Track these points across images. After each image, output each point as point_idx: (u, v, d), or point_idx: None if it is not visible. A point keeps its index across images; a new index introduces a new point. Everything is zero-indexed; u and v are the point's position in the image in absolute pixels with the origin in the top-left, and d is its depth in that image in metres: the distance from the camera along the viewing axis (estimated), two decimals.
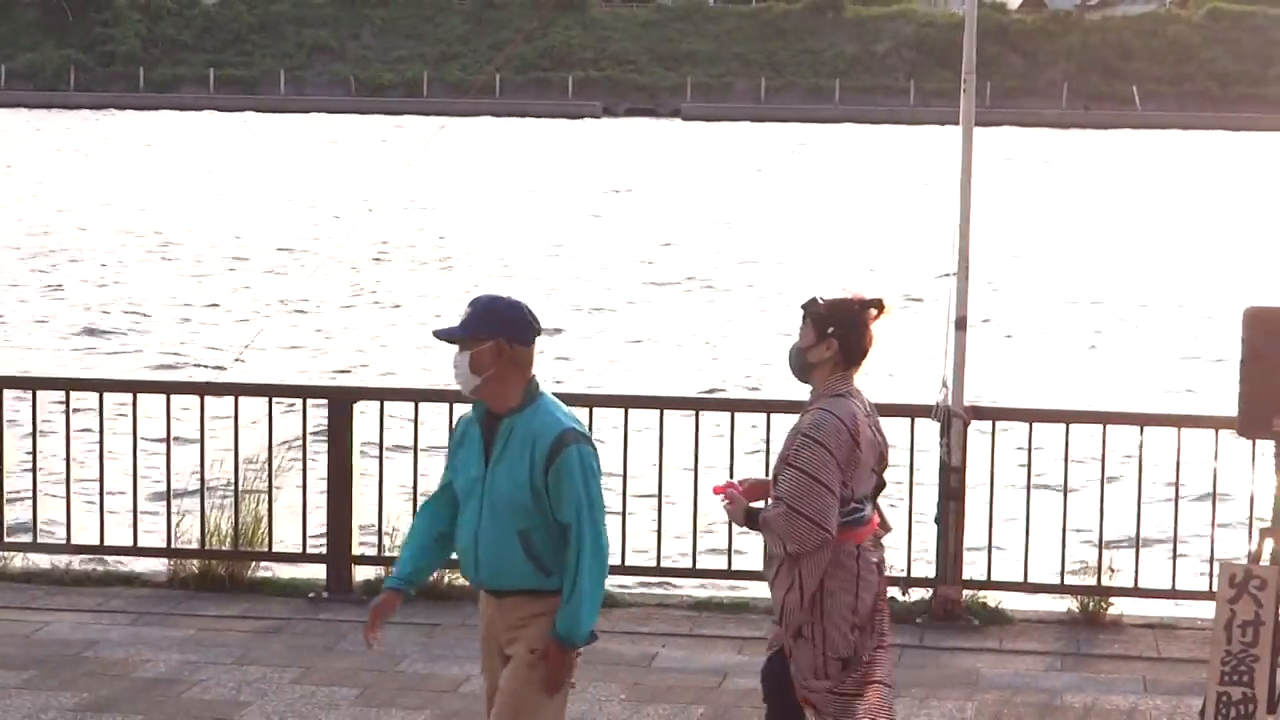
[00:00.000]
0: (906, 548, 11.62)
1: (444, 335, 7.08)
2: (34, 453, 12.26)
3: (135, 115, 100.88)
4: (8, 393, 12.30)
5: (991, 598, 11.59)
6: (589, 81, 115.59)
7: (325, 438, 11.92)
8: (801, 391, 7.84)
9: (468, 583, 7.28)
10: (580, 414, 11.85)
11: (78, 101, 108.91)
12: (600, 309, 32.22)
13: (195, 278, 35.66)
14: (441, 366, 25.09)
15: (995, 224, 42.27)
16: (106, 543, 12.28)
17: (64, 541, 12.28)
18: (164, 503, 12.20)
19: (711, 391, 22.74)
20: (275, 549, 12.18)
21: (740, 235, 45.08)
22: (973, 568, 11.53)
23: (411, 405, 12.01)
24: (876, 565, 7.69)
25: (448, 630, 10.97)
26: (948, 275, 11.31)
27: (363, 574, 11.90)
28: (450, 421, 11.79)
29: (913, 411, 11.67)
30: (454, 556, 7.30)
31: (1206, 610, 10.13)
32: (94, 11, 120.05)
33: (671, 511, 11.96)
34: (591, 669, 10.33)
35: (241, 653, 10.60)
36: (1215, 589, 8.65)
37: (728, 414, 11.79)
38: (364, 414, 12.01)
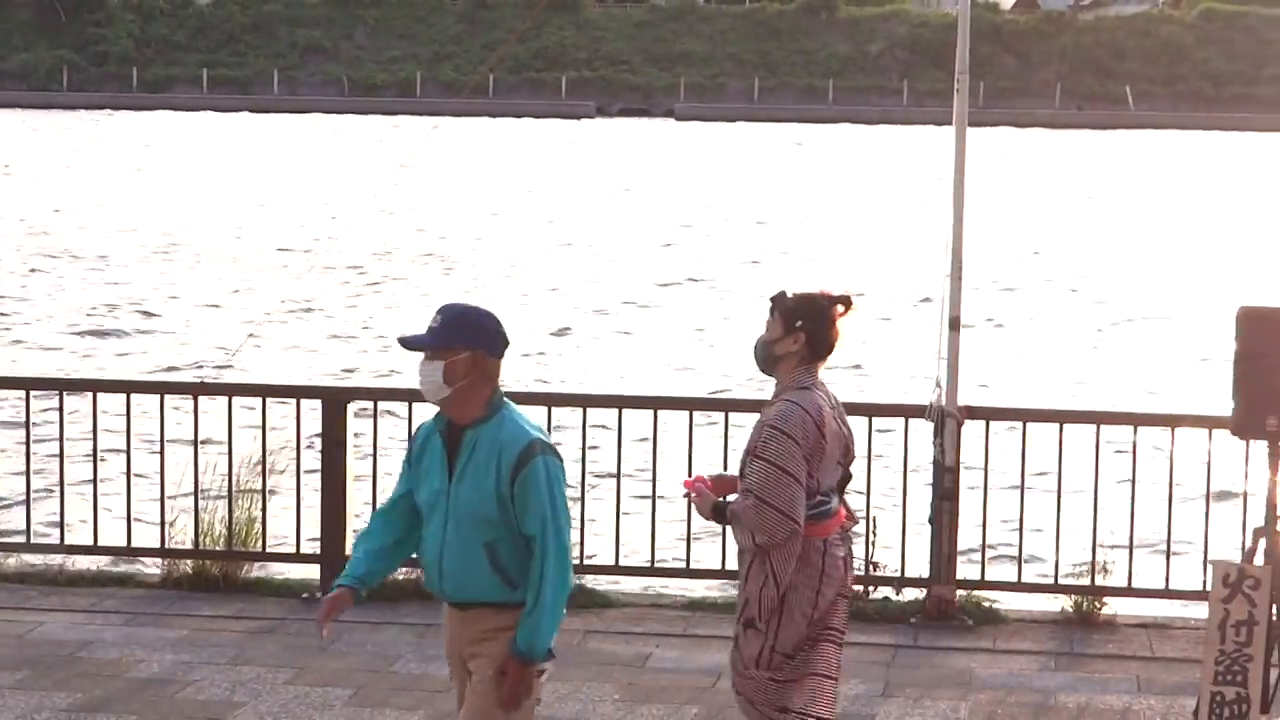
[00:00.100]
0: (900, 547, 11.63)
1: (414, 343, 6.94)
2: (28, 453, 12.25)
3: (132, 116, 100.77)
4: (1, 393, 12.30)
5: (985, 597, 11.60)
6: (582, 82, 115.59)
7: (320, 438, 11.91)
8: None
9: (432, 594, 7.18)
10: (573, 415, 11.94)
11: (71, 102, 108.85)
12: (600, 309, 32.20)
13: (195, 278, 35.63)
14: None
15: (989, 224, 42.30)
16: (100, 543, 12.27)
17: (58, 542, 12.28)
18: (158, 503, 12.19)
19: (718, 392, 22.70)
20: (269, 549, 12.17)
21: (740, 235, 45.07)
22: (967, 567, 11.53)
23: (406, 405, 12.00)
24: (842, 560, 7.68)
25: (441, 630, 10.94)
26: (945, 276, 11.31)
27: None
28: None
29: (907, 411, 11.69)
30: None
31: (1200, 610, 10.14)
32: (87, 12, 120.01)
33: (665, 511, 11.96)
34: (585, 669, 10.35)
35: (235, 653, 10.60)
36: (1209, 588, 8.66)
37: (722, 414, 11.80)
38: (359, 414, 12.01)
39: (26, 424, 12.21)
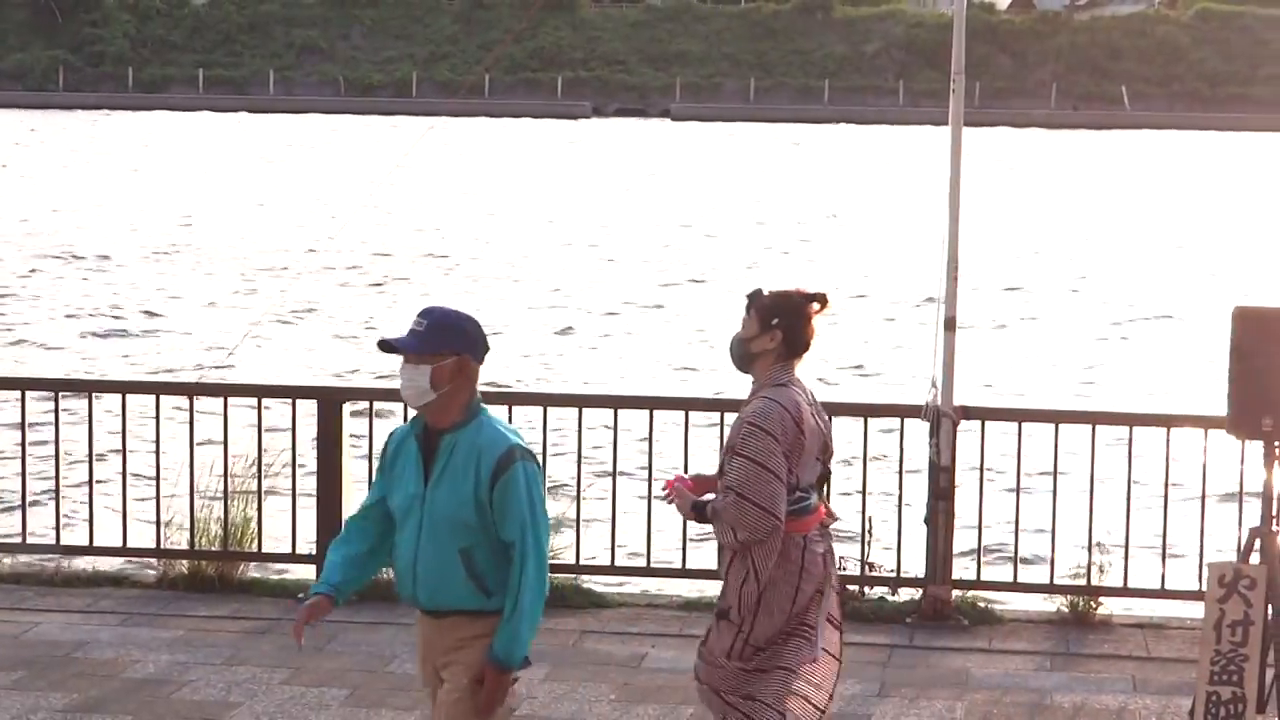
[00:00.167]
0: (896, 547, 11.64)
1: (401, 346, 6.84)
2: (23, 454, 12.25)
3: (128, 116, 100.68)
4: None
5: (981, 597, 11.60)
6: (578, 82, 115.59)
7: (316, 438, 11.90)
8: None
9: (403, 600, 7.07)
10: (569, 414, 11.94)
11: (67, 102, 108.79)
12: (599, 310, 32.20)
13: (193, 278, 35.61)
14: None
15: (986, 224, 42.30)
16: (96, 543, 12.27)
17: (54, 542, 12.27)
18: (154, 503, 12.19)
19: (716, 393, 22.70)
20: (265, 549, 12.17)
21: (739, 236, 45.07)
22: (963, 568, 11.53)
23: (401, 405, 11.97)
24: (822, 557, 7.70)
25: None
26: (941, 276, 11.31)
27: None
28: None
29: (903, 411, 11.70)
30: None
31: (1196, 610, 10.15)
32: (83, 12, 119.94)
33: (661, 512, 11.95)
34: (581, 669, 10.35)
35: (231, 653, 10.59)
36: (1204, 588, 8.66)
37: (719, 414, 11.79)
38: (355, 415, 12.01)
39: (23, 425, 12.20)
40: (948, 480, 11.22)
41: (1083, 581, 11.49)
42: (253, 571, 12.31)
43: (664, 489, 7.90)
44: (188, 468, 12.01)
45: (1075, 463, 11.49)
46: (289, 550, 12.02)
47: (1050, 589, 11.61)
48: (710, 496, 7.78)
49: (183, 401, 12.36)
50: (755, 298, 7.77)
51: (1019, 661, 10.65)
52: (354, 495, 11.86)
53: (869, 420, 11.63)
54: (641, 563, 11.95)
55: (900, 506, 11.58)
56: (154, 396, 12.18)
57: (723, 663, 7.71)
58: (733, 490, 7.50)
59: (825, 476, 7.84)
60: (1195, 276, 37.33)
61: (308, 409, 11.93)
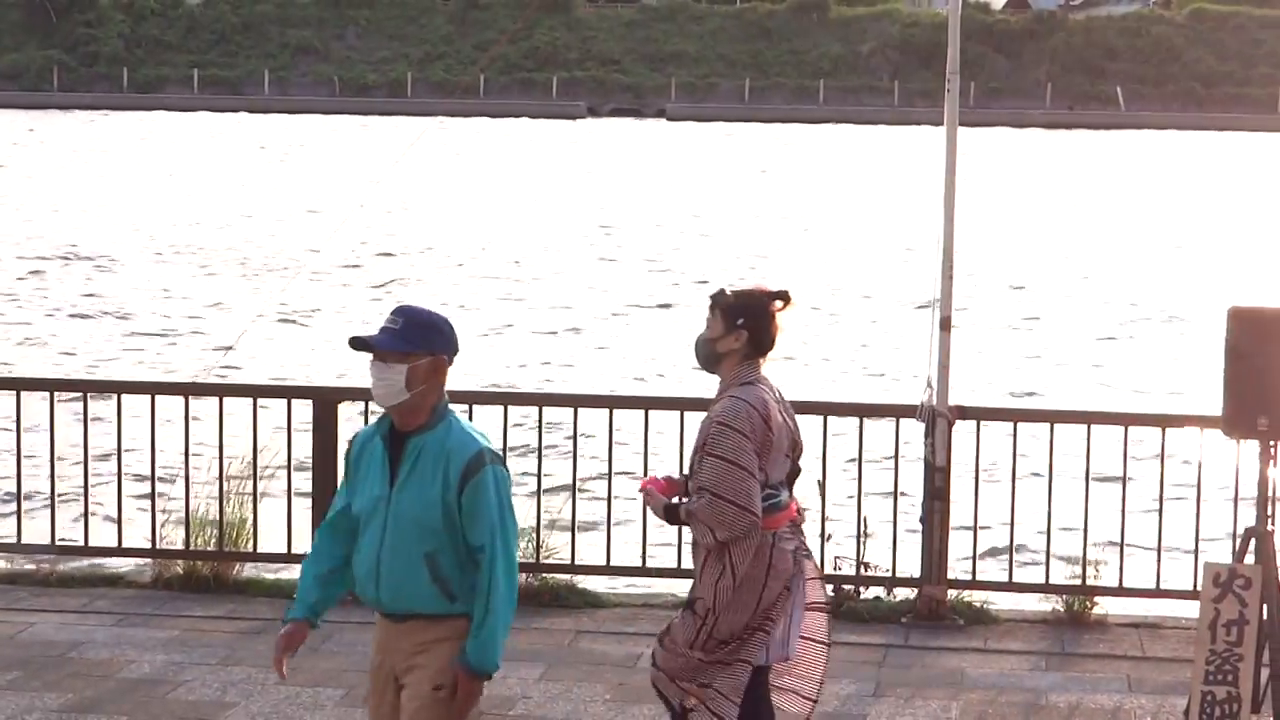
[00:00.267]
0: (892, 548, 11.64)
1: (374, 344, 6.72)
2: (18, 454, 12.24)
3: (125, 116, 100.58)
4: None
5: (976, 597, 11.60)
6: (574, 82, 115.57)
7: (311, 438, 11.89)
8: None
9: (363, 603, 6.95)
10: (565, 414, 11.93)
11: (62, 102, 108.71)
12: (597, 310, 32.20)
13: (190, 279, 35.60)
14: None
15: (982, 225, 42.30)
16: (91, 544, 12.27)
17: (48, 542, 12.26)
18: (149, 504, 12.19)
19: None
20: (260, 550, 12.17)
21: (737, 236, 45.07)
22: (958, 568, 11.54)
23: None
24: (791, 554, 7.73)
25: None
26: (936, 276, 11.31)
27: None
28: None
29: (898, 412, 11.70)
30: None
31: (1191, 609, 10.15)
32: (77, 12, 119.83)
33: None
34: (577, 669, 10.36)
35: (226, 653, 10.59)
36: (1199, 588, 8.67)
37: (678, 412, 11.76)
38: (350, 416, 12.01)
39: (18, 425, 12.19)
40: (943, 480, 11.23)
41: (1078, 581, 11.50)
42: (248, 572, 12.31)
43: (641, 489, 7.94)
44: (183, 468, 12.01)
45: (1071, 463, 11.49)
46: (285, 550, 12.01)
47: (1046, 589, 11.62)
48: (678, 499, 7.82)
49: (179, 402, 12.34)
50: (719, 298, 7.80)
51: (1014, 661, 10.65)
52: None
53: (865, 420, 11.63)
54: (637, 562, 11.94)
55: (896, 507, 11.58)
56: (149, 397, 12.17)
57: (684, 651, 7.76)
58: (707, 490, 7.54)
59: (795, 474, 7.88)
60: (1191, 276, 37.33)
61: (304, 409, 11.93)
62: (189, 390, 12.56)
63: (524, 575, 11.85)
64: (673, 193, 57.15)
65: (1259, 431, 8.52)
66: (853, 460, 11.63)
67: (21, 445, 12.24)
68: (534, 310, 31.85)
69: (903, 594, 11.59)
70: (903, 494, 11.60)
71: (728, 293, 7.80)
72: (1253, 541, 8.61)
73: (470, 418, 11.55)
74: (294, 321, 29.68)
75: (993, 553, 12.43)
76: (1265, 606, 8.51)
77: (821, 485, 11.55)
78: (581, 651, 10.76)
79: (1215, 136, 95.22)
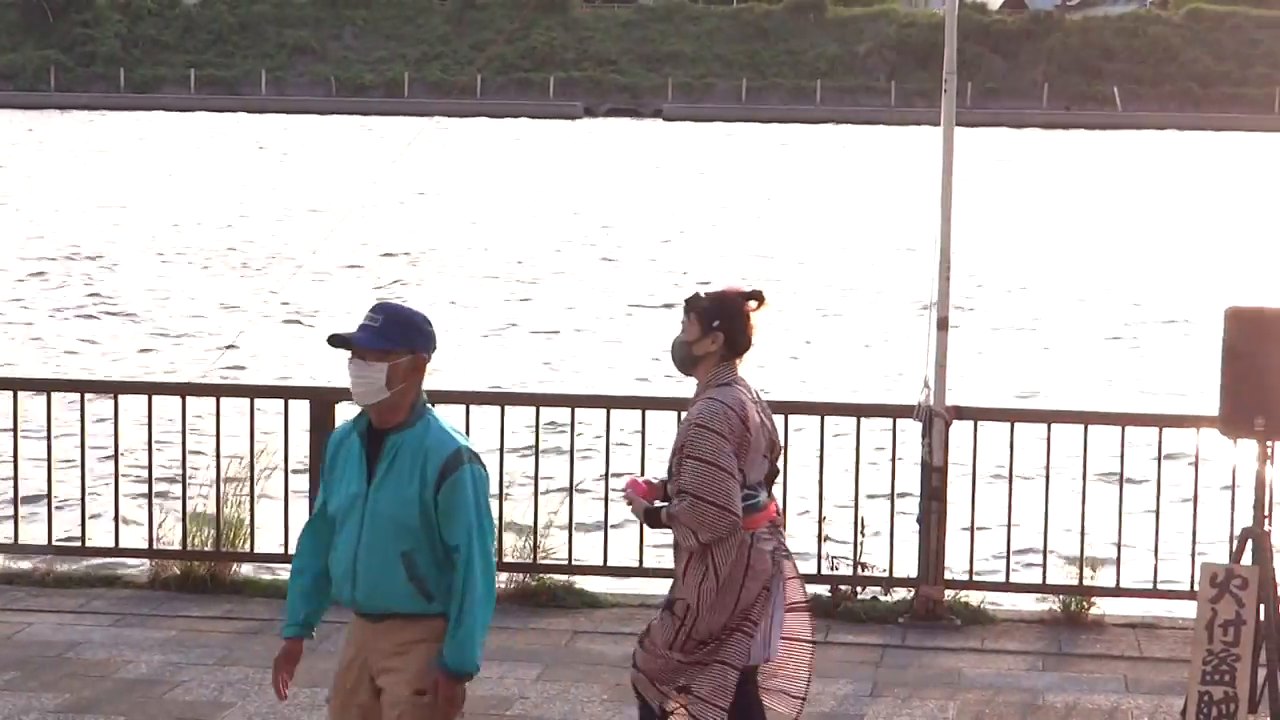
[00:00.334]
0: (889, 548, 11.64)
1: (355, 342, 6.65)
2: (15, 454, 12.24)
3: (123, 116, 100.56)
4: None
5: (973, 597, 11.60)
6: (570, 82, 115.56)
7: (308, 438, 11.89)
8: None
9: (342, 603, 6.86)
10: (562, 414, 11.93)
11: (59, 102, 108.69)
12: (595, 309, 32.20)
13: (187, 279, 35.59)
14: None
15: (977, 225, 42.32)
16: (88, 544, 12.26)
17: (45, 543, 12.26)
18: (146, 504, 12.19)
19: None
20: (257, 550, 12.16)
21: (735, 236, 45.08)
22: (955, 568, 11.53)
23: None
24: (769, 554, 7.75)
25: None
26: (933, 276, 11.31)
27: None
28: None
29: (895, 412, 11.70)
30: None
31: (1188, 609, 10.15)
32: (74, 12, 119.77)
33: None
34: (573, 669, 10.35)
35: (223, 653, 10.59)
36: (1197, 588, 8.67)
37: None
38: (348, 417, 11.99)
39: (14, 425, 12.19)
40: (940, 480, 11.23)
41: (1075, 581, 11.51)
42: (246, 572, 12.31)
43: (623, 490, 7.97)
44: (180, 468, 12.01)
45: (1068, 463, 11.49)
46: (282, 551, 12.00)
47: (1042, 589, 11.62)
48: (660, 503, 7.84)
49: (176, 402, 12.34)
50: (694, 301, 7.83)
51: (1011, 661, 10.66)
52: None
53: (861, 420, 11.63)
54: (634, 563, 11.93)
55: (893, 507, 11.58)
56: (147, 397, 12.17)
57: (664, 653, 7.78)
58: (688, 493, 7.56)
59: (773, 475, 7.91)
60: (1188, 277, 37.34)
61: (301, 409, 11.92)
62: (186, 390, 12.55)
63: (521, 575, 11.87)
64: (671, 193, 57.13)
65: (1256, 431, 8.53)
66: (850, 460, 11.64)
67: (19, 445, 12.24)
68: (534, 310, 31.84)
69: (900, 594, 11.59)
70: (900, 494, 11.60)
71: (702, 295, 7.84)
72: (1250, 542, 8.61)
73: (468, 418, 11.61)
74: (298, 322, 29.67)
75: (990, 553, 12.42)
76: (1262, 607, 8.51)
77: (817, 485, 11.55)
78: (579, 652, 10.76)
79: (1212, 137, 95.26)
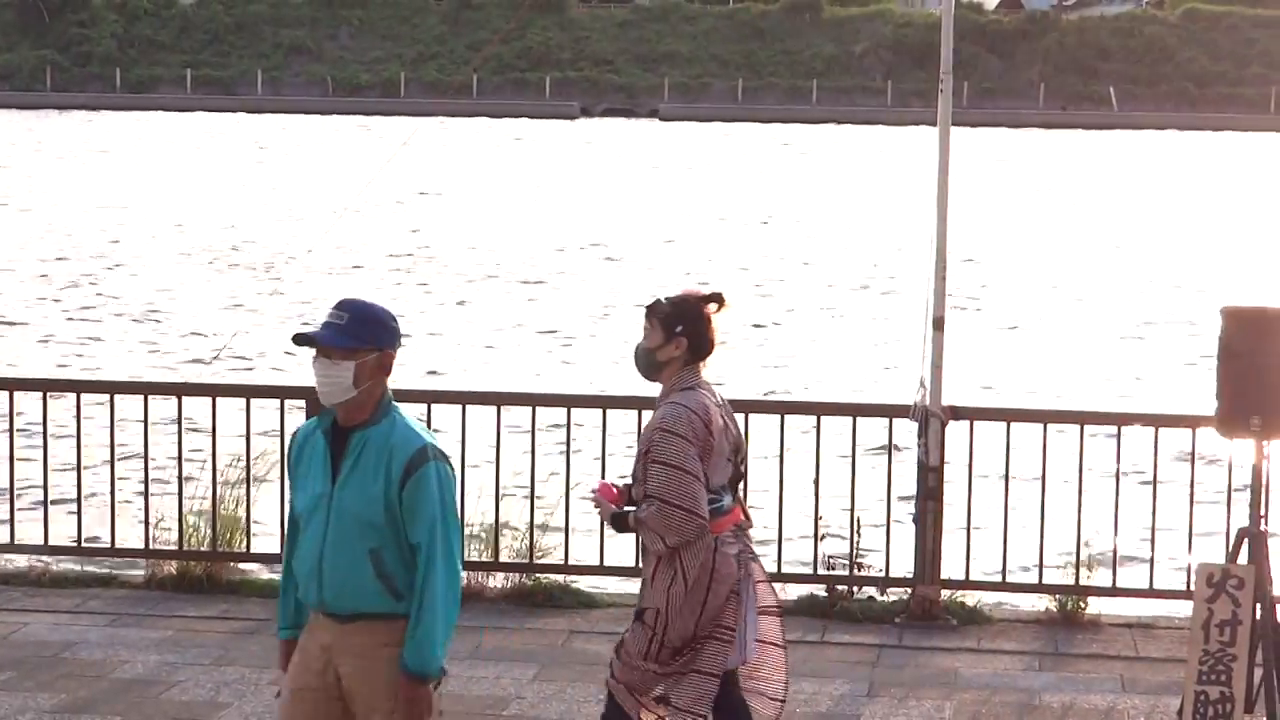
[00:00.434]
0: (885, 548, 11.64)
1: (321, 340, 6.52)
2: (11, 454, 12.23)
3: (121, 116, 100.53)
4: None
5: (970, 597, 11.61)
6: (567, 82, 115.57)
7: None
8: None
9: (308, 605, 6.71)
10: (558, 415, 11.92)
11: (55, 102, 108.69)
12: (593, 308, 32.17)
13: (187, 279, 35.57)
14: (422, 365, 25.16)
15: (973, 225, 42.33)
16: (84, 544, 12.26)
17: (41, 543, 12.25)
18: (142, 504, 12.18)
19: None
20: (253, 550, 12.15)
21: (734, 236, 45.08)
22: (951, 567, 11.53)
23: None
24: (735, 558, 7.76)
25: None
26: (929, 276, 11.31)
27: None
28: (429, 420, 11.80)
29: (891, 411, 11.70)
30: None
31: (1184, 609, 10.16)
32: (70, 12, 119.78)
33: None
34: (570, 669, 10.35)
35: (220, 653, 10.59)
36: (1193, 588, 8.67)
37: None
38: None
39: (10, 425, 12.18)
40: (936, 480, 11.23)
41: (1071, 581, 11.51)
42: (242, 572, 12.30)
43: (593, 493, 7.99)
44: (176, 468, 12.01)
45: (1064, 462, 11.49)
46: (278, 551, 11.98)
47: (1039, 589, 11.62)
48: (629, 508, 7.87)
49: (172, 402, 12.34)
50: (656, 308, 7.85)
51: (1007, 661, 10.66)
52: None
53: (857, 420, 11.64)
54: (630, 563, 11.92)
55: (889, 507, 11.58)
56: (143, 397, 12.16)
57: (639, 664, 7.78)
58: (655, 498, 7.58)
59: (738, 477, 7.92)
60: (1184, 276, 37.34)
61: (297, 409, 11.91)
62: (182, 390, 12.55)
63: (518, 575, 11.87)
64: (672, 194, 57.11)
65: (1252, 431, 8.53)
66: (846, 460, 11.63)
67: (15, 445, 12.23)
68: (534, 311, 31.83)
69: (896, 594, 11.59)
70: (896, 494, 11.59)
71: (663, 301, 7.85)
72: (1246, 541, 8.61)
73: (463, 418, 11.61)
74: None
75: (986, 553, 12.43)
76: (1258, 607, 8.51)
77: (814, 486, 11.56)
78: (575, 652, 10.75)
79: (1209, 136, 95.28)
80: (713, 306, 7.83)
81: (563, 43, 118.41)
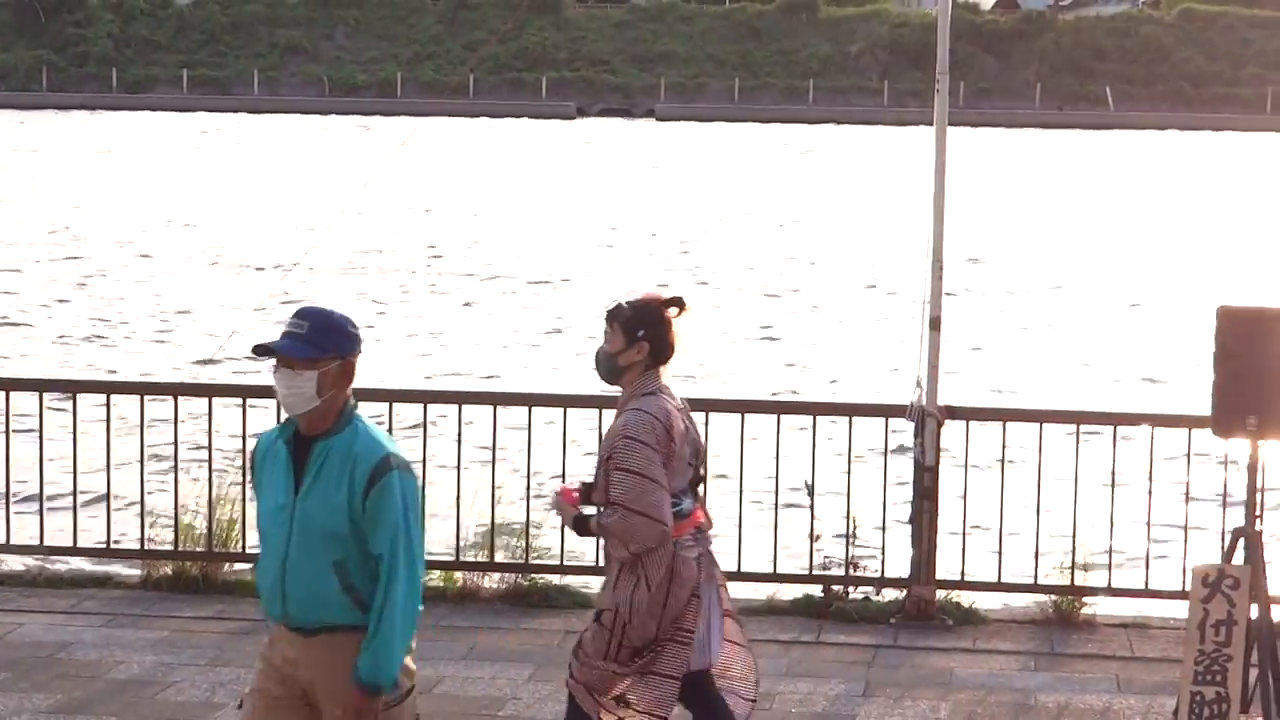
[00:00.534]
0: (880, 548, 11.63)
1: (282, 351, 6.43)
2: (6, 454, 12.22)
3: (119, 116, 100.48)
4: None
5: (965, 597, 11.60)
6: (563, 82, 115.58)
7: None
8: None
9: (270, 618, 6.64)
10: (555, 414, 11.92)
11: (52, 102, 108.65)
12: (591, 308, 32.15)
13: (186, 278, 35.56)
14: (419, 366, 25.17)
15: (970, 225, 42.33)
16: (80, 544, 12.25)
17: (36, 543, 12.25)
18: (138, 504, 12.17)
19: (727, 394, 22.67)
20: (249, 550, 12.14)
21: (732, 236, 45.07)
22: (947, 567, 11.53)
23: (386, 405, 12.01)
24: (695, 561, 7.78)
25: (421, 632, 10.82)
26: (926, 276, 11.31)
27: None
28: (425, 420, 11.81)
29: (887, 411, 11.70)
30: None
31: (1180, 610, 10.16)
32: (66, 12, 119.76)
33: None
34: (565, 670, 10.32)
35: (215, 654, 10.58)
36: (1188, 588, 8.67)
37: (702, 414, 11.76)
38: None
39: (6, 425, 12.18)
40: (932, 480, 11.23)
41: (1067, 581, 11.50)
42: (237, 572, 12.29)
43: (555, 496, 8.02)
44: (172, 468, 12.00)
45: (1060, 463, 11.49)
46: None
47: (1035, 589, 11.61)
48: (591, 510, 7.89)
49: (168, 402, 12.34)
50: (617, 312, 7.83)
51: (1003, 661, 10.66)
52: None
53: (853, 420, 11.64)
54: None
55: (885, 507, 11.58)
56: (139, 397, 12.16)
57: (599, 664, 7.79)
58: (619, 505, 7.59)
59: (698, 480, 7.94)
60: (1181, 276, 37.35)
61: None
62: (178, 391, 12.54)
63: (513, 576, 11.87)
64: (670, 193, 57.11)
65: (1248, 431, 8.53)
66: (842, 460, 11.63)
67: (10, 445, 12.22)
68: (524, 310, 31.82)
69: (891, 594, 11.59)
70: (891, 494, 11.59)
71: (625, 305, 7.83)
72: (1241, 541, 8.61)
73: (459, 418, 11.61)
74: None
75: (982, 553, 12.43)
76: (1254, 607, 8.51)
77: (810, 486, 11.55)
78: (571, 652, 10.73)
79: (1205, 136, 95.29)
80: (674, 311, 7.83)
81: (559, 43, 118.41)
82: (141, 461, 11.97)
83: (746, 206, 52.88)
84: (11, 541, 12.32)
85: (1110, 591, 11.45)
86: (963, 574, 11.61)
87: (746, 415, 11.61)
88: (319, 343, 6.43)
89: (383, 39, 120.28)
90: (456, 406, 11.85)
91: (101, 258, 38.76)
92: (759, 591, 11.79)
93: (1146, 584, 11.42)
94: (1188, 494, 11.24)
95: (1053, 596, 11.49)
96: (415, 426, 12.16)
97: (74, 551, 12.39)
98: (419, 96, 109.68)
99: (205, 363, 23.96)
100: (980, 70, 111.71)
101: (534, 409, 11.82)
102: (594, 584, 12.25)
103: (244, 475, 11.98)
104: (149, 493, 12.13)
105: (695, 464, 7.87)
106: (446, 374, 24.78)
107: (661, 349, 7.79)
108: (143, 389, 12.89)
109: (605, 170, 66.47)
